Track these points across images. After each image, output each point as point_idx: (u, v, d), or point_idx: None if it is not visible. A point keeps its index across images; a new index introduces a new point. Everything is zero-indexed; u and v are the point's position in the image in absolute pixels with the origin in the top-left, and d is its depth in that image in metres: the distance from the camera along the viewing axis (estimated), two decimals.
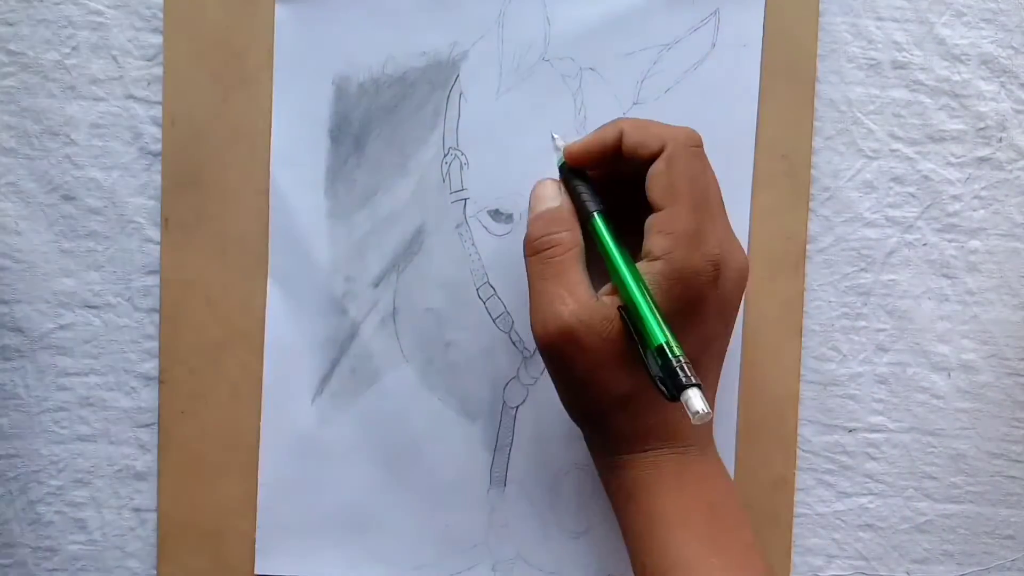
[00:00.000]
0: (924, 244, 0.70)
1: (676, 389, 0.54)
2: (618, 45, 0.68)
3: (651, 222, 0.59)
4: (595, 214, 0.61)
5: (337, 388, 0.70)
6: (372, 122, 0.68)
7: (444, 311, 0.69)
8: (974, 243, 0.70)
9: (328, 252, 0.69)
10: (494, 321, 0.69)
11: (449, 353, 0.70)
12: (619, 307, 0.58)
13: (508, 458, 0.70)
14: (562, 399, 0.63)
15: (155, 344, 0.70)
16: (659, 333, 0.55)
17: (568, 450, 0.70)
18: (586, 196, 0.62)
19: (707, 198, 0.59)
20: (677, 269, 0.57)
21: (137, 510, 0.71)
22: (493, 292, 0.69)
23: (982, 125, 0.70)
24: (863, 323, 0.71)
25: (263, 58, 0.68)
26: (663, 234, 0.58)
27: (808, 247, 0.70)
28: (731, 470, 0.70)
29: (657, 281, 0.57)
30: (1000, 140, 0.70)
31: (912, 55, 0.70)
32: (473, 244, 0.69)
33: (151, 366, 0.70)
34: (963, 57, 0.70)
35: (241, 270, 0.69)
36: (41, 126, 0.69)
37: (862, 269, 0.70)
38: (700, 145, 0.61)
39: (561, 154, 0.63)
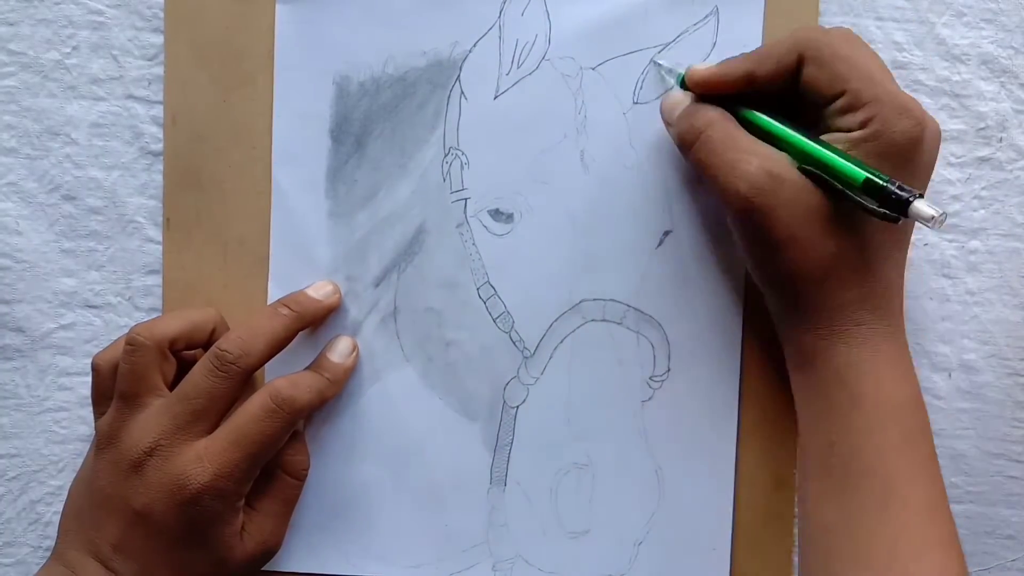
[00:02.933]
0: (924, 244, 0.70)
1: (902, 207, 0.54)
2: (619, 45, 0.68)
3: (832, 109, 0.59)
4: (741, 108, 0.62)
5: None
6: (373, 122, 0.68)
7: (445, 311, 0.69)
8: (974, 243, 0.70)
9: (329, 252, 0.69)
10: (494, 321, 0.69)
11: (449, 353, 0.70)
12: (801, 167, 0.58)
13: (508, 458, 0.70)
14: (760, 270, 0.63)
15: None
16: (857, 169, 0.56)
17: (568, 450, 0.70)
18: (721, 100, 0.63)
19: (875, 70, 0.59)
20: (884, 135, 0.57)
21: None
22: (493, 292, 0.69)
23: (982, 125, 0.70)
24: None
25: (263, 58, 0.68)
26: (852, 111, 0.58)
27: None
28: (732, 470, 0.70)
29: (861, 148, 0.58)
30: (1000, 140, 0.70)
31: (912, 55, 0.70)
32: (474, 244, 0.69)
33: None
34: (963, 57, 0.70)
35: (242, 270, 0.69)
36: (41, 126, 0.69)
37: None
38: (827, 31, 0.61)
39: (677, 76, 0.64)
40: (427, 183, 0.69)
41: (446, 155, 0.68)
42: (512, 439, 0.70)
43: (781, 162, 0.59)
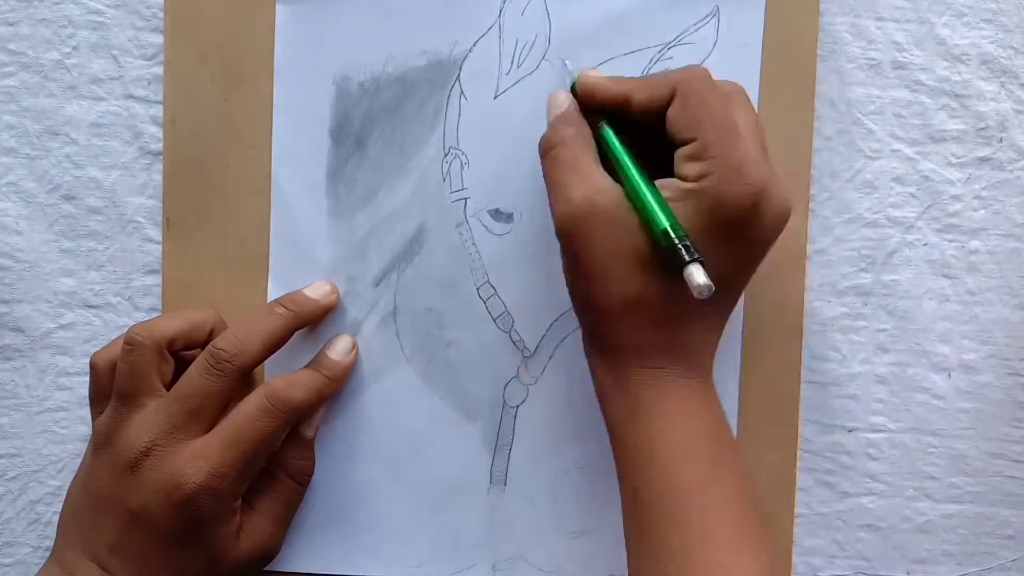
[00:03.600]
0: (924, 244, 0.70)
1: (679, 266, 0.54)
2: (619, 44, 0.68)
3: (680, 152, 0.59)
4: (602, 124, 0.62)
5: None
6: (373, 122, 0.68)
7: (445, 311, 0.69)
8: (974, 243, 0.70)
9: (329, 251, 0.69)
10: (494, 321, 0.69)
11: (449, 353, 0.70)
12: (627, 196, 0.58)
13: (508, 458, 0.70)
14: (575, 295, 0.62)
15: None
16: (661, 217, 0.56)
17: (568, 450, 0.70)
18: (598, 111, 0.63)
19: (736, 128, 0.58)
20: (714, 190, 0.57)
21: None
22: (493, 292, 0.69)
23: (982, 125, 0.70)
24: (863, 323, 0.71)
25: (263, 58, 0.68)
26: (696, 160, 0.58)
27: (808, 247, 0.70)
28: None
29: (691, 200, 0.57)
30: (1000, 140, 0.70)
31: (912, 55, 0.70)
32: (473, 243, 0.69)
33: None
34: (963, 57, 0.70)
35: (242, 270, 0.69)
36: (41, 126, 0.69)
37: (862, 269, 0.70)
38: (710, 78, 0.60)
39: (572, 79, 0.64)
40: (427, 183, 0.69)
41: (446, 155, 0.68)
42: (512, 439, 0.70)
43: (609, 196, 0.58)
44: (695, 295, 0.53)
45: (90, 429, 0.69)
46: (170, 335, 0.65)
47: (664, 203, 0.57)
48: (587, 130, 0.62)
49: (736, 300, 0.63)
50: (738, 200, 0.57)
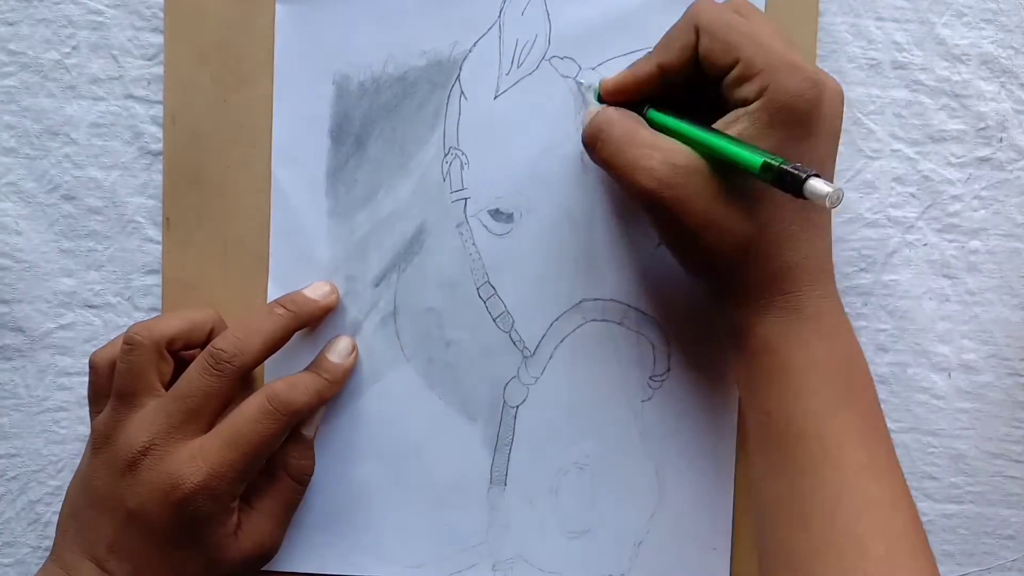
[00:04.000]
0: (924, 244, 0.70)
1: (798, 186, 0.53)
2: (619, 44, 0.68)
3: (728, 80, 0.59)
4: (648, 108, 0.62)
5: None
6: (373, 121, 0.68)
7: (445, 311, 0.69)
8: (974, 243, 0.70)
9: (329, 251, 0.69)
10: (494, 321, 0.69)
11: (449, 353, 0.70)
12: (706, 162, 0.58)
13: (508, 458, 0.70)
14: (682, 258, 0.63)
15: None
16: (752, 155, 0.55)
17: (568, 450, 0.70)
18: (634, 106, 0.63)
19: (764, 34, 0.59)
20: (777, 100, 0.57)
21: None
22: (493, 291, 0.69)
23: (982, 125, 0.70)
24: (864, 323, 0.71)
25: (264, 57, 0.68)
26: (747, 80, 0.58)
27: None
28: (732, 470, 0.70)
29: (761, 119, 0.57)
30: (1000, 140, 0.70)
31: (912, 55, 0.70)
32: (474, 244, 0.69)
33: None
34: (963, 57, 0.70)
35: (242, 270, 0.69)
36: (41, 126, 0.69)
37: (863, 269, 0.70)
38: (717, 2, 0.61)
39: (595, 91, 0.64)
40: (427, 183, 0.69)
41: (446, 155, 0.68)
42: (512, 439, 0.70)
43: (683, 153, 0.58)
44: (828, 206, 0.52)
45: (89, 429, 0.69)
46: (170, 335, 0.64)
47: (743, 144, 0.56)
48: (632, 113, 0.62)
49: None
50: (804, 98, 0.57)
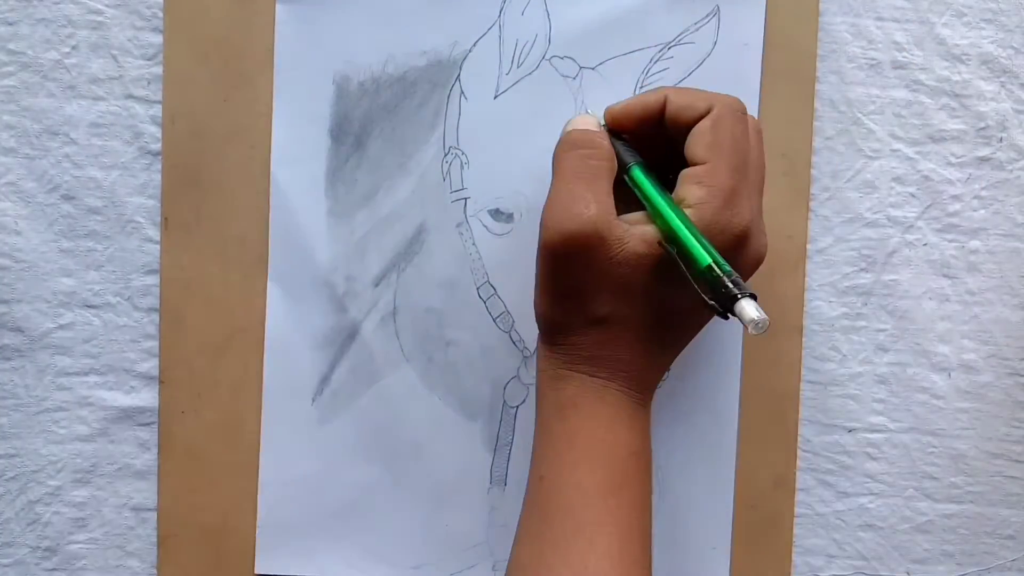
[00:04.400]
0: (924, 244, 0.70)
1: (729, 303, 0.53)
2: (619, 44, 0.68)
3: (687, 173, 0.58)
4: (633, 164, 0.60)
5: (337, 387, 0.70)
6: (373, 121, 0.68)
7: (444, 311, 0.69)
8: (974, 243, 0.70)
9: (328, 251, 0.69)
10: (494, 321, 0.69)
11: (449, 353, 0.70)
12: (659, 242, 0.57)
13: (508, 458, 0.70)
14: (545, 304, 0.60)
15: (154, 344, 0.70)
16: (705, 255, 0.54)
17: None
18: (623, 149, 0.61)
19: (747, 164, 0.59)
20: (706, 221, 0.56)
21: (137, 509, 0.71)
22: (493, 291, 0.69)
23: (982, 125, 0.70)
24: (863, 323, 0.71)
25: (263, 57, 0.68)
26: (700, 184, 0.57)
27: (808, 247, 0.70)
28: (732, 471, 0.70)
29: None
30: (1000, 140, 0.70)
31: (912, 55, 0.70)
32: (473, 243, 0.69)
33: (150, 366, 0.70)
34: (963, 57, 0.70)
35: (241, 269, 0.69)
36: (41, 126, 0.69)
37: (862, 269, 0.70)
38: (745, 112, 0.60)
39: (600, 116, 0.63)
40: (427, 183, 0.69)
41: (446, 155, 0.68)
42: (512, 439, 0.70)
43: (617, 226, 0.57)
44: (750, 330, 0.52)
45: (89, 429, 0.70)
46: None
47: (703, 240, 0.55)
48: (614, 158, 0.60)
49: (694, 335, 0.63)
50: (726, 234, 0.57)
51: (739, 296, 0.53)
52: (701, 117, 0.59)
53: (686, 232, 0.56)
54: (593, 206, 0.57)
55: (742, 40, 0.67)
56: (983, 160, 0.70)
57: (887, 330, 0.71)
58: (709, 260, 0.54)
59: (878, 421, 0.71)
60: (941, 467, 0.71)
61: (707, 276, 0.54)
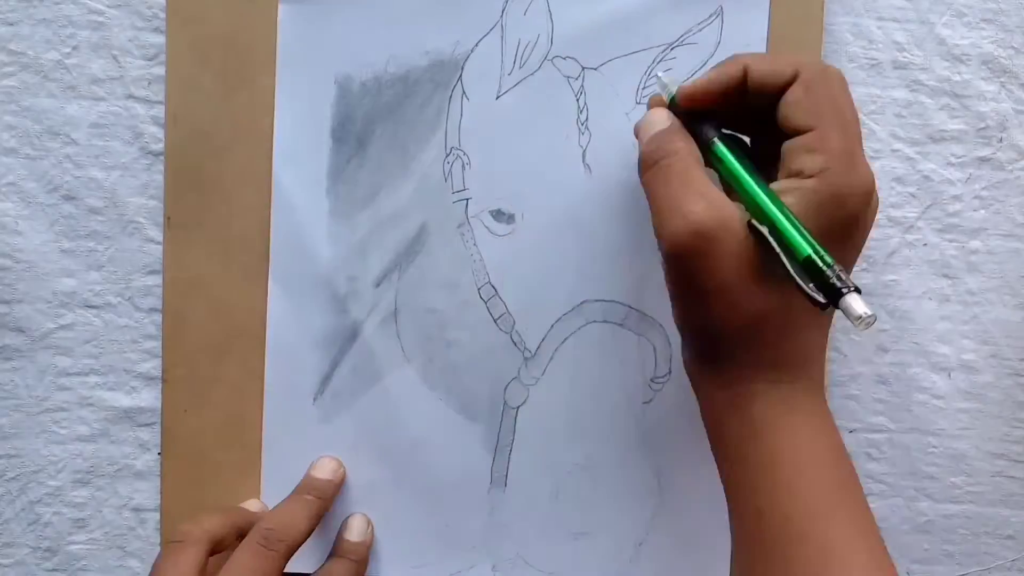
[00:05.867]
0: (925, 244, 0.70)
1: (834, 296, 0.51)
2: (622, 45, 0.67)
3: (796, 143, 0.56)
4: (715, 140, 0.59)
5: (338, 388, 0.70)
6: (374, 122, 0.68)
7: (445, 311, 0.69)
8: (975, 243, 0.70)
9: (330, 252, 0.69)
10: (495, 321, 0.69)
11: (450, 353, 0.69)
12: (749, 222, 0.55)
13: (509, 458, 0.70)
14: (683, 316, 0.59)
15: (155, 344, 0.70)
16: (804, 244, 0.53)
17: (569, 451, 0.70)
18: (700, 123, 0.60)
19: (849, 121, 0.56)
20: (834, 186, 0.55)
21: (137, 510, 0.71)
22: (494, 292, 0.69)
23: (983, 125, 0.70)
24: None
25: (265, 57, 0.68)
26: (815, 153, 0.55)
27: None
28: None
29: (810, 199, 0.55)
30: (1000, 140, 0.70)
31: (913, 55, 0.70)
32: (475, 244, 0.69)
33: (151, 366, 0.70)
34: (964, 57, 0.70)
35: (243, 270, 0.69)
36: (42, 126, 0.69)
37: (863, 269, 0.70)
38: (827, 66, 0.58)
39: (669, 92, 0.61)
40: (428, 183, 0.69)
41: (447, 155, 0.68)
42: (513, 440, 0.70)
43: (729, 211, 0.55)
44: (856, 326, 0.50)
45: (90, 429, 0.70)
46: (220, 534, 0.64)
47: (800, 225, 0.54)
48: (695, 146, 0.59)
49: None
50: (856, 196, 0.55)
51: (844, 290, 0.51)
52: (788, 83, 0.57)
53: (782, 217, 0.54)
54: (699, 200, 0.55)
55: (745, 41, 0.67)
56: (983, 160, 0.70)
57: (887, 330, 0.71)
58: (809, 250, 0.53)
59: (879, 421, 0.71)
60: (941, 467, 0.71)
61: (808, 267, 0.53)
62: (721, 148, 0.59)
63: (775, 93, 0.57)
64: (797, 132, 0.56)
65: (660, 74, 0.63)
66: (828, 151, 0.55)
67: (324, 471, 0.69)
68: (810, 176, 0.55)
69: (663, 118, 0.60)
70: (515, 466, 0.70)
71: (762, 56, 0.60)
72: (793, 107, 0.56)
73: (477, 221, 0.69)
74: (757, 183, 0.56)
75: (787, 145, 0.57)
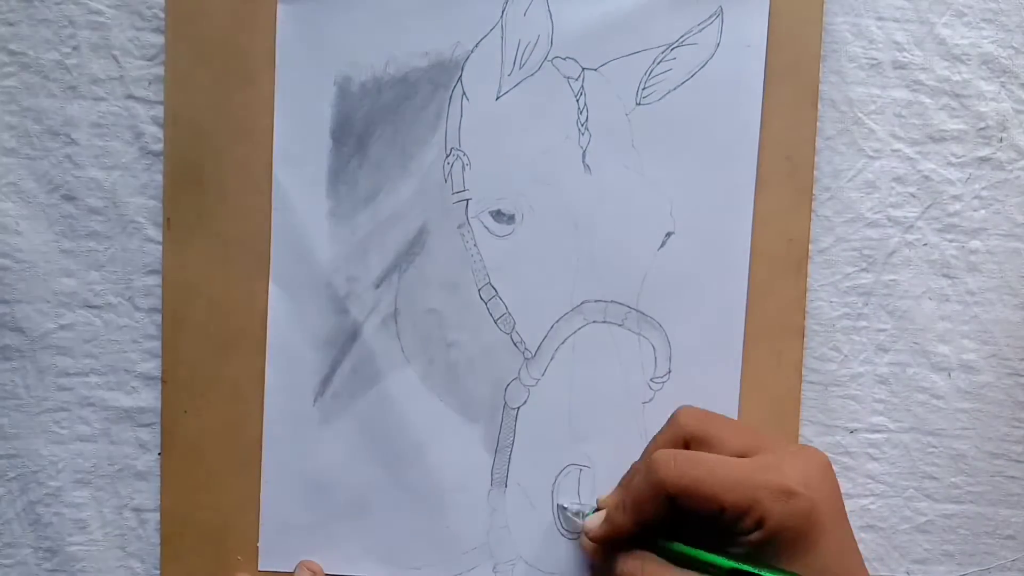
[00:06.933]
0: (925, 244, 0.70)
1: None
2: (622, 45, 0.68)
3: (721, 521, 0.58)
4: (662, 541, 0.61)
5: (338, 388, 0.70)
6: (374, 122, 0.68)
7: (446, 312, 0.69)
8: (975, 243, 0.70)
9: (330, 252, 0.69)
10: (495, 322, 0.69)
11: (450, 354, 0.69)
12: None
13: (509, 459, 0.70)
14: None
15: (156, 344, 0.70)
16: None
17: (569, 451, 0.70)
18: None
19: (738, 447, 0.61)
20: (778, 528, 0.57)
21: (137, 510, 0.71)
22: (495, 293, 0.69)
23: (982, 125, 0.70)
24: (864, 323, 0.71)
25: (266, 57, 0.68)
26: (740, 518, 0.57)
27: (809, 247, 0.70)
28: None
29: (768, 549, 0.57)
30: (1000, 140, 0.70)
31: (913, 55, 0.70)
32: (475, 245, 0.69)
33: (151, 366, 0.70)
34: (964, 57, 0.70)
35: (242, 270, 0.69)
36: (42, 126, 0.69)
37: (863, 269, 0.70)
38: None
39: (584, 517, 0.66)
40: (428, 184, 0.69)
41: (447, 156, 0.68)
42: (513, 440, 0.70)
43: None
44: None
45: (91, 429, 0.70)
46: None
47: (775, 569, 0.57)
48: (647, 554, 0.61)
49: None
50: (802, 517, 0.57)
51: None
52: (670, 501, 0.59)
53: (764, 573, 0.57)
54: None
55: (745, 41, 0.67)
56: (983, 160, 0.70)
57: (888, 330, 0.71)
58: None
59: (879, 421, 0.71)
60: (941, 467, 0.71)
61: None
62: (674, 544, 0.61)
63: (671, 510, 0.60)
64: (713, 516, 0.58)
65: (566, 505, 0.68)
66: (747, 510, 0.57)
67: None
68: (750, 530, 0.57)
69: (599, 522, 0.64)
70: (515, 467, 0.70)
71: (633, 505, 0.61)
72: (691, 509, 0.59)
73: (477, 222, 0.69)
74: (720, 553, 0.58)
75: (717, 523, 0.58)
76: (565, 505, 0.68)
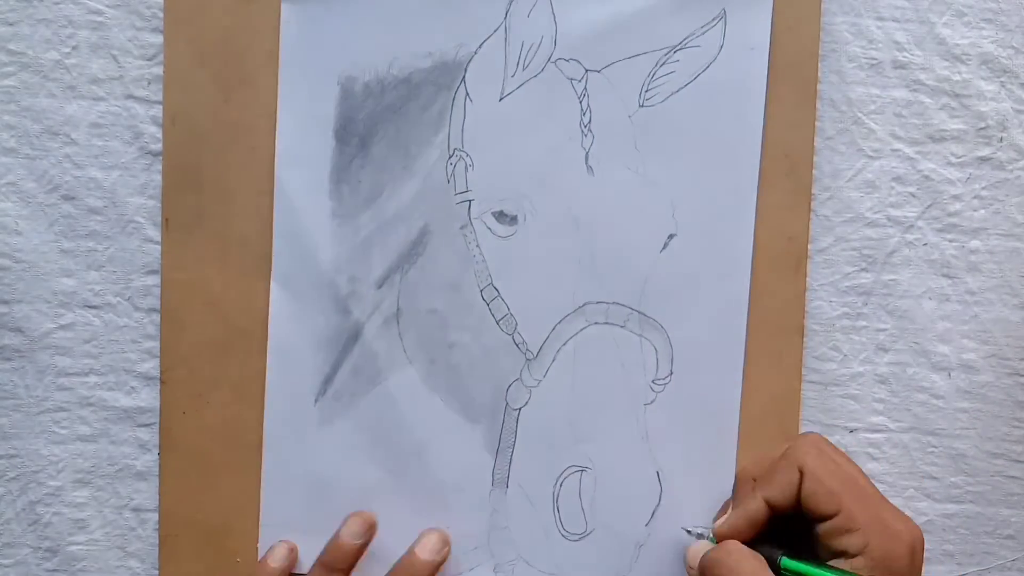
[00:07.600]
0: (924, 244, 0.70)
1: None
2: (625, 47, 0.67)
3: (829, 527, 0.60)
4: (781, 557, 0.62)
5: (340, 389, 0.70)
6: (377, 123, 0.68)
7: (447, 312, 0.69)
8: (974, 243, 0.70)
9: (332, 252, 0.69)
10: (497, 323, 0.69)
11: (452, 354, 0.69)
12: None
13: (510, 460, 0.70)
14: None
15: (155, 344, 0.70)
16: None
17: (570, 452, 0.70)
18: (760, 546, 0.63)
19: (866, 484, 0.61)
20: (879, 559, 0.59)
21: (137, 510, 0.71)
22: (497, 294, 0.69)
23: (982, 125, 0.70)
24: (864, 323, 0.71)
25: (265, 58, 0.68)
26: (850, 533, 0.59)
27: (809, 247, 0.70)
28: (732, 474, 0.70)
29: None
30: (1000, 140, 0.70)
31: (913, 55, 0.70)
32: (477, 246, 0.69)
33: (151, 366, 0.70)
34: (964, 57, 0.70)
35: (242, 270, 0.69)
36: (41, 126, 0.69)
37: (863, 269, 0.70)
38: (823, 443, 0.63)
39: (709, 538, 0.67)
40: (431, 184, 0.69)
41: (450, 156, 0.68)
42: (514, 441, 0.70)
43: None
44: None
45: (91, 429, 0.70)
46: None
47: None
48: (755, 554, 0.62)
49: None
50: (902, 557, 0.59)
51: None
52: (799, 485, 0.62)
53: None
54: None
55: (748, 43, 0.67)
56: (983, 160, 0.70)
57: (887, 330, 0.71)
58: None
59: (878, 421, 0.71)
60: (941, 467, 0.71)
61: None
62: (790, 561, 0.62)
63: (796, 499, 0.62)
64: (825, 517, 0.60)
65: (689, 530, 0.68)
66: (859, 527, 0.59)
67: (351, 535, 0.70)
68: (855, 554, 0.59)
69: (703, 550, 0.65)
70: (516, 467, 0.70)
71: (765, 479, 0.64)
72: (812, 500, 0.61)
73: (480, 222, 0.69)
74: (836, 572, 0.60)
75: (822, 528, 0.61)
76: (689, 528, 0.68)
